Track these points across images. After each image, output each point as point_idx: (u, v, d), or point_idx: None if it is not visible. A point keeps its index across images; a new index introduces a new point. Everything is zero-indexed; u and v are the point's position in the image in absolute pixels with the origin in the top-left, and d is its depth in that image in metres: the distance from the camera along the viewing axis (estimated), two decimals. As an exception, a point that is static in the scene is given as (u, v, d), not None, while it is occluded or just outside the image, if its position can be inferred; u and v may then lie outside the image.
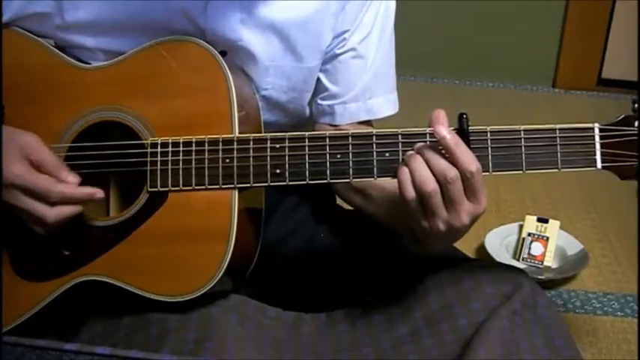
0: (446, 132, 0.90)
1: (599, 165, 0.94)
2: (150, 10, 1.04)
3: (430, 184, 0.90)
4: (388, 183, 0.98)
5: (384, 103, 1.20)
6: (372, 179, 0.96)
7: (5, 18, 1.06)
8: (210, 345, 0.94)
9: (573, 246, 1.99)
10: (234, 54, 1.06)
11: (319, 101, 1.17)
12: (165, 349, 0.94)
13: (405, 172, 0.92)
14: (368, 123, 1.19)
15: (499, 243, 1.99)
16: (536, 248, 1.93)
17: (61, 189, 0.97)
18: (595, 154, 0.94)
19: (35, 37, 1.07)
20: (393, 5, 1.18)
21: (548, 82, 3.14)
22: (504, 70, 3.13)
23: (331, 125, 1.17)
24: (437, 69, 3.14)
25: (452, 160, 0.90)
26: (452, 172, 0.90)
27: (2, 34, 1.05)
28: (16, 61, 1.05)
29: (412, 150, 0.93)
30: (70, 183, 0.97)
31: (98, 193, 0.98)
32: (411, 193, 0.91)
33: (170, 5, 1.04)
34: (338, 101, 1.16)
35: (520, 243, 1.97)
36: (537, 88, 3.13)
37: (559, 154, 0.94)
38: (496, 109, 2.85)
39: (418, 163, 0.91)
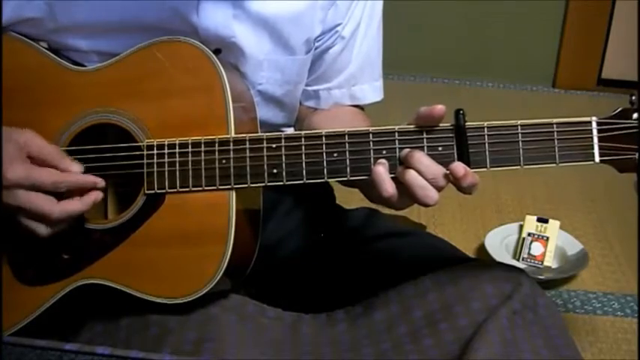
0: (463, 172, 0.92)
1: (597, 159, 0.94)
2: (142, 11, 1.04)
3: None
4: None
5: (369, 90, 1.23)
6: (369, 177, 0.96)
7: None
8: (210, 345, 0.94)
9: (573, 246, 1.98)
10: (227, 51, 1.06)
11: (304, 87, 1.20)
12: (165, 350, 0.94)
13: (380, 172, 0.94)
14: (358, 106, 1.23)
15: (499, 243, 1.99)
16: (536, 248, 1.93)
17: (67, 177, 0.97)
18: (593, 148, 0.94)
19: (29, 40, 1.07)
20: None
21: (548, 82, 3.14)
22: (504, 70, 3.12)
23: (315, 108, 1.21)
24: (437, 69, 3.13)
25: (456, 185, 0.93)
26: (443, 182, 0.93)
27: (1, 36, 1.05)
28: (10, 65, 1.05)
29: (408, 148, 0.94)
30: (73, 171, 0.98)
31: (100, 182, 0.99)
32: (387, 192, 0.94)
33: (163, 5, 1.04)
34: (322, 87, 1.20)
35: (520, 243, 1.97)
36: (537, 88, 3.13)
37: (557, 148, 0.94)
38: (496, 109, 2.84)
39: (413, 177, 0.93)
